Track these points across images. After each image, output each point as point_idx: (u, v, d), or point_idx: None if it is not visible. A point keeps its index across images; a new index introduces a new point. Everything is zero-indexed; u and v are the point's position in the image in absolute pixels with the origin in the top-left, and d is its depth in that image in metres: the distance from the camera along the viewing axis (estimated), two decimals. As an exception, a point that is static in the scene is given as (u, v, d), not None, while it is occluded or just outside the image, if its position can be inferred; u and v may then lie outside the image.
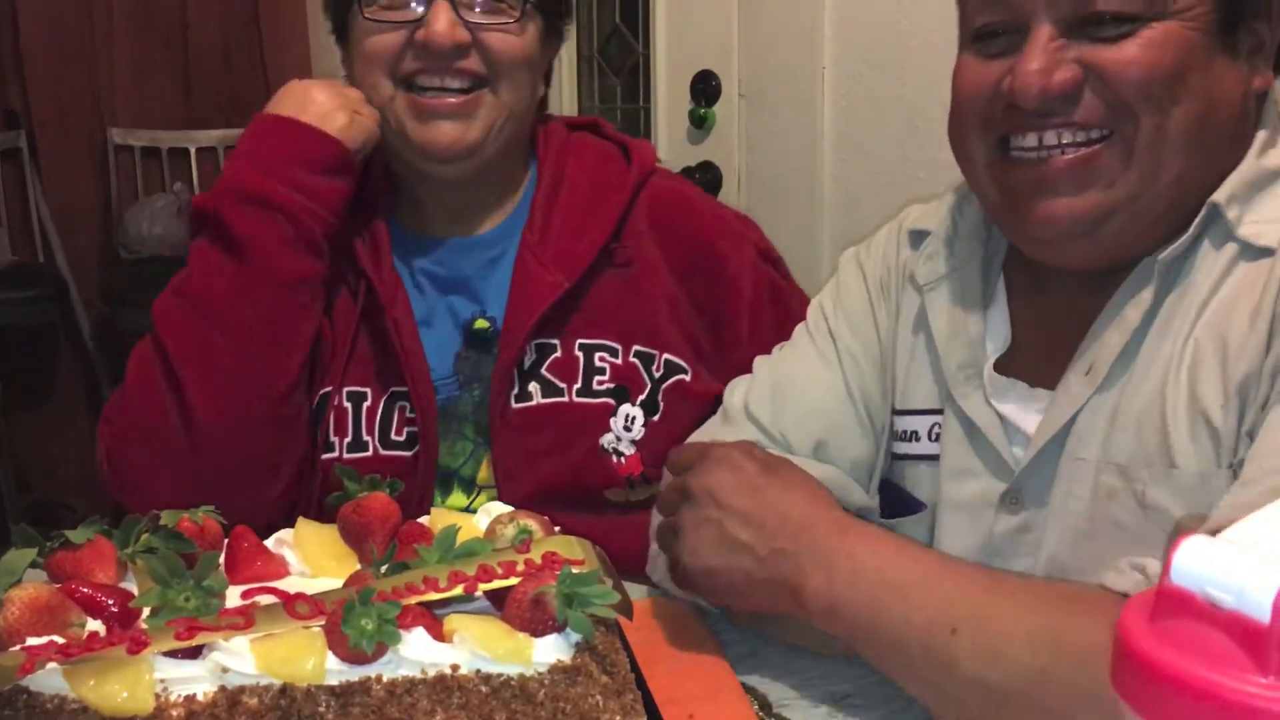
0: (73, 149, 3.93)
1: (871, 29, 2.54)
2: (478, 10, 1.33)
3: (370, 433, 1.36)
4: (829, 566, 0.92)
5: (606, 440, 1.39)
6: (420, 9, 1.32)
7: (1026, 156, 0.98)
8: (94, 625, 0.83)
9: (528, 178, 1.46)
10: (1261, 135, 0.98)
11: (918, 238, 1.16)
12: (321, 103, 1.34)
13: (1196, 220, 0.96)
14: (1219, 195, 0.95)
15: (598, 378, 1.40)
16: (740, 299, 1.44)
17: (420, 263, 1.42)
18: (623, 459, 1.39)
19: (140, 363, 1.33)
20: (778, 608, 0.96)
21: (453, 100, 1.33)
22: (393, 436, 1.37)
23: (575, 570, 0.83)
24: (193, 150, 4.04)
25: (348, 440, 1.36)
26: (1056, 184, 0.97)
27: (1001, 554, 1.03)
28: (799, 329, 1.23)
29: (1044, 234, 1.01)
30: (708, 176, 2.84)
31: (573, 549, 0.90)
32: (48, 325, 3.88)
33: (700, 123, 2.85)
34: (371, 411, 1.37)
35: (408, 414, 1.37)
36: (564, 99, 3.06)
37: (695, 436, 1.21)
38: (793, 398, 1.16)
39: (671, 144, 2.90)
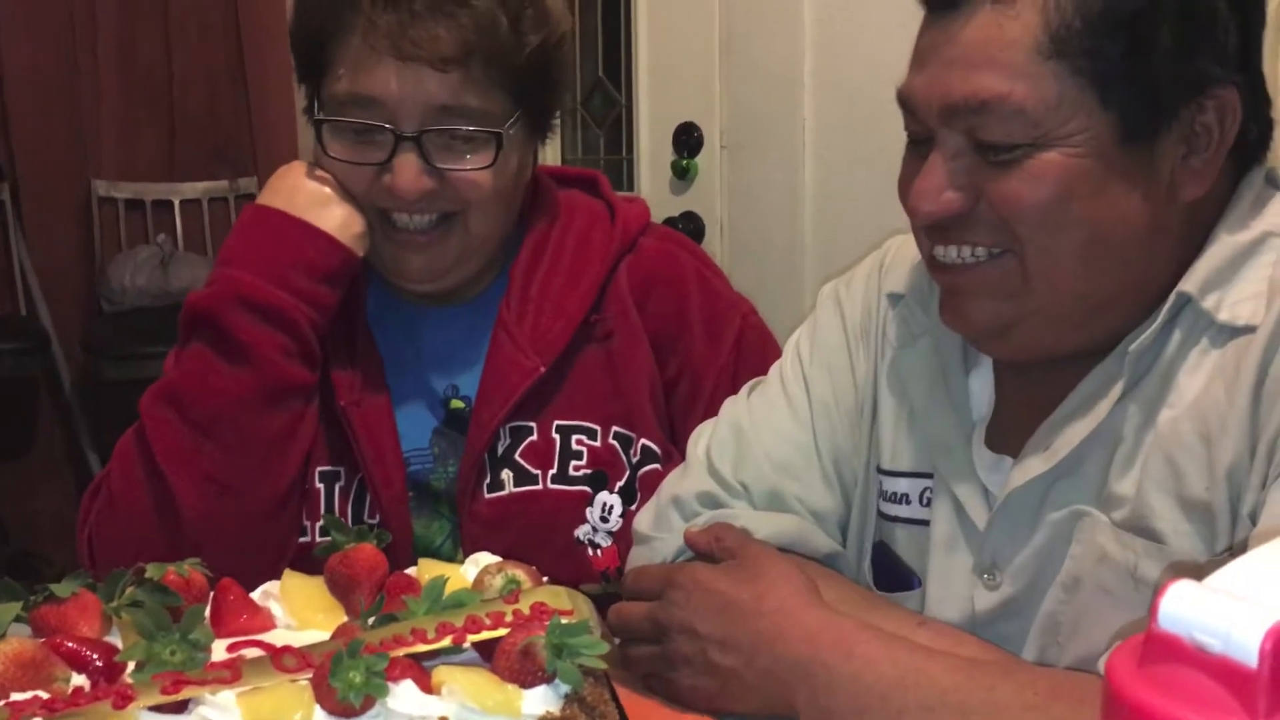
0: (56, 201, 3.94)
1: (851, 81, 2.58)
2: (451, 156, 1.25)
3: (344, 515, 1.31)
4: (808, 678, 0.93)
5: (582, 532, 1.33)
6: (384, 154, 1.25)
7: (944, 262, 0.99)
8: (78, 680, 0.82)
9: (512, 245, 1.39)
10: (1237, 210, 0.96)
11: (894, 299, 1.14)
12: (327, 197, 1.28)
13: (1165, 309, 0.93)
14: (1188, 285, 0.93)
15: (574, 463, 1.34)
16: (700, 391, 1.37)
17: (398, 331, 1.37)
18: (599, 551, 1.34)
19: (126, 457, 1.28)
20: (784, 713, 0.96)
21: (422, 238, 1.28)
22: (366, 519, 1.32)
23: (564, 620, 0.83)
24: (177, 202, 4.05)
25: (320, 524, 1.30)
26: (964, 291, 0.99)
27: (990, 624, 1.02)
28: (773, 370, 1.21)
29: (960, 332, 1.03)
30: (690, 227, 2.87)
31: (561, 599, 0.90)
32: (29, 377, 3.87)
33: (683, 174, 2.88)
34: (345, 492, 1.32)
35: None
36: (548, 151, 3.09)
37: (661, 488, 1.19)
38: (757, 447, 1.14)
39: (654, 195, 2.92)
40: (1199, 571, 0.45)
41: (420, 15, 1.22)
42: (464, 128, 1.25)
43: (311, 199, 1.28)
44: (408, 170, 1.24)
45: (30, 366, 3.81)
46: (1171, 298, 0.93)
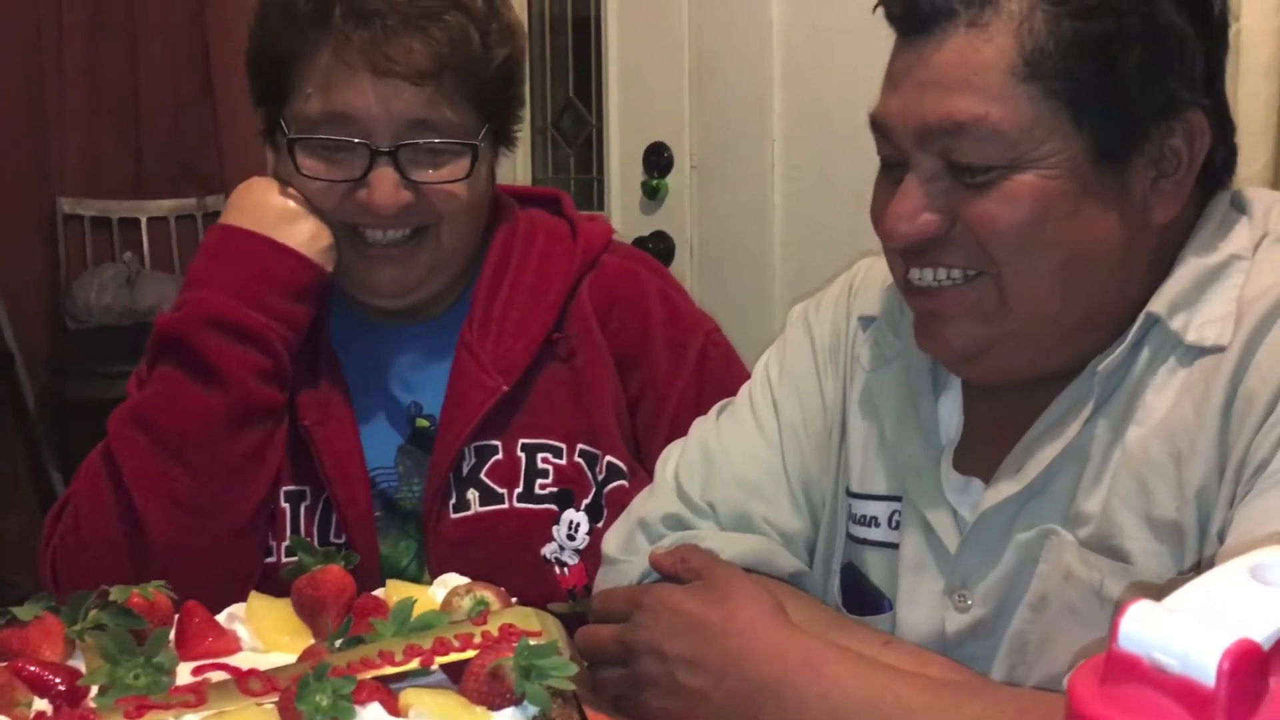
0: (22, 218, 3.90)
1: (820, 103, 2.60)
2: (427, 170, 1.26)
3: (309, 534, 1.30)
4: (777, 699, 0.93)
5: (549, 550, 1.33)
6: (359, 170, 1.25)
7: (919, 285, 1.00)
8: (41, 705, 0.82)
9: (475, 265, 1.39)
10: (1204, 233, 0.97)
11: (866, 322, 1.15)
12: (294, 212, 1.28)
13: (1133, 330, 0.95)
14: (1156, 306, 0.94)
15: (540, 481, 1.34)
16: (663, 410, 1.37)
17: (360, 349, 1.36)
18: (566, 570, 1.33)
19: (92, 478, 1.26)
20: None
21: (394, 252, 1.28)
22: (332, 539, 1.31)
23: (533, 642, 0.83)
24: (143, 220, 4.02)
25: (285, 544, 1.29)
26: (940, 314, 0.99)
27: (960, 645, 1.02)
28: (743, 391, 1.21)
29: (935, 356, 1.04)
30: (660, 246, 2.88)
31: (530, 621, 0.90)
32: (-9, 396, 3.83)
33: (653, 194, 2.89)
34: (310, 512, 1.32)
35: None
36: (518, 170, 3.10)
37: (629, 509, 1.18)
38: (725, 468, 1.14)
39: (624, 214, 2.93)
40: (1160, 592, 0.46)
41: (394, 30, 1.23)
42: (439, 141, 1.26)
43: (278, 216, 1.28)
44: (385, 184, 1.24)
45: (-7, 385, 3.77)
46: (1140, 318, 0.94)
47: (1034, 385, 1.00)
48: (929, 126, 0.93)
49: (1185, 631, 0.44)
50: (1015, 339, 0.97)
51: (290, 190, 1.29)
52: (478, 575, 1.20)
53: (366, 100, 1.23)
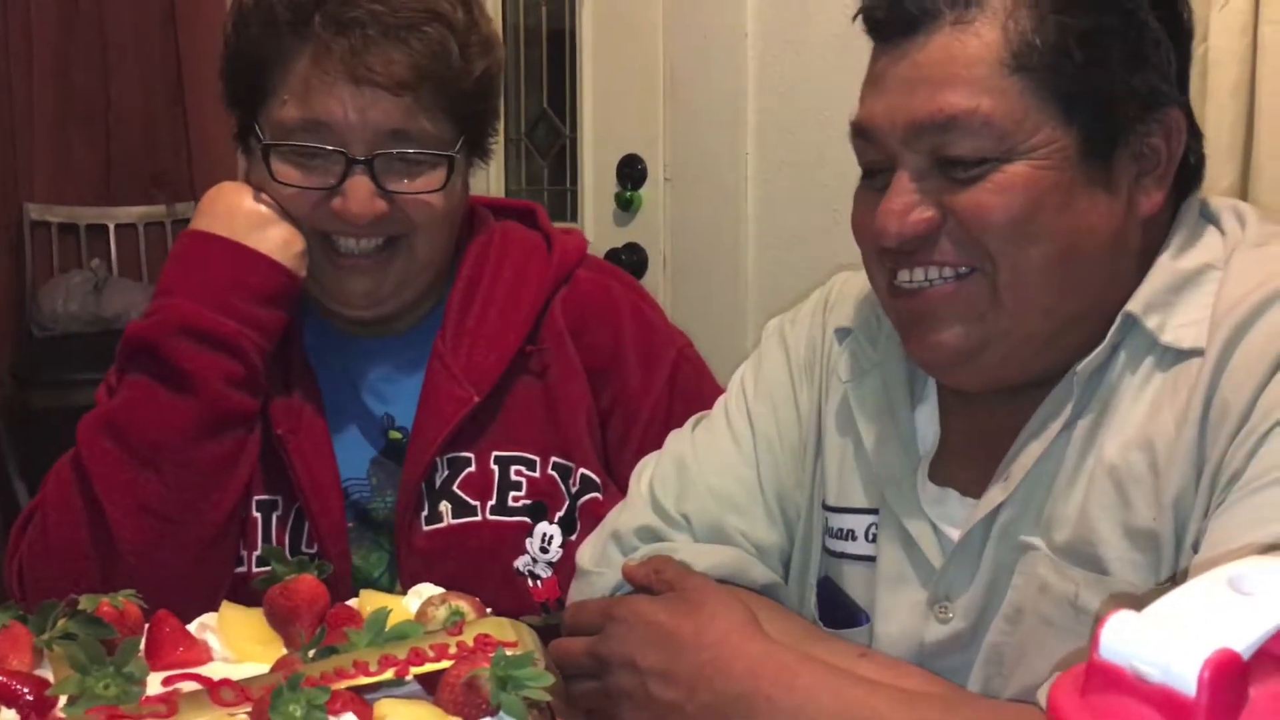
0: (-14, 224, 3.88)
1: (793, 117, 2.62)
2: (402, 180, 1.26)
3: (281, 544, 1.30)
4: (750, 712, 0.92)
5: (521, 563, 1.32)
6: (334, 177, 1.25)
7: (908, 288, 1.00)
8: (8, 715, 0.80)
9: (448, 277, 1.39)
10: (1178, 238, 0.98)
11: (842, 334, 1.15)
12: (265, 218, 1.27)
13: (1112, 330, 0.95)
14: (1134, 305, 0.95)
15: (513, 493, 1.33)
16: (634, 425, 1.37)
17: (333, 360, 1.36)
18: (539, 582, 1.33)
19: (60, 485, 1.25)
20: None
21: (366, 262, 1.28)
22: (304, 549, 1.30)
23: (508, 653, 0.83)
24: (112, 227, 3.99)
25: (257, 554, 1.29)
26: (930, 316, 0.99)
27: (938, 657, 1.02)
28: (718, 404, 1.21)
29: (926, 361, 1.03)
30: (633, 258, 2.88)
31: (505, 631, 0.89)
32: (-46, 404, 3.79)
33: (626, 205, 2.90)
34: (282, 521, 1.31)
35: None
36: (491, 181, 3.10)
37: (603, 522, 1.18)
38: (700, 480, 1.14)
39: (598, 226, 2.94)
40: (1139, 602, 0.46)
41: (374, 40, 1.23)
42: (415, 151, 1.26)
43: (249, 221, 1.27)
44: (360, 192, 1.24)
45: (-44, 393, 3.73)
46: (1119, 318, 0.95)
47: (1013, 394, 1.01)
48: (919, 123, 0.94)
49: (1166, 641, 0.45)
50: (1007, 339, 0.97)
51: (262, 195, 1.28)
52: (450, 586, 1.19)
53: (344, 109, 1.23)
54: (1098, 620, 0.47)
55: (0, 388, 3.82)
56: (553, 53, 3.10)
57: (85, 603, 0.92)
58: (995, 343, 0.97)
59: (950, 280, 0.97)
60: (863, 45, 1.01)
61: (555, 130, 3.12)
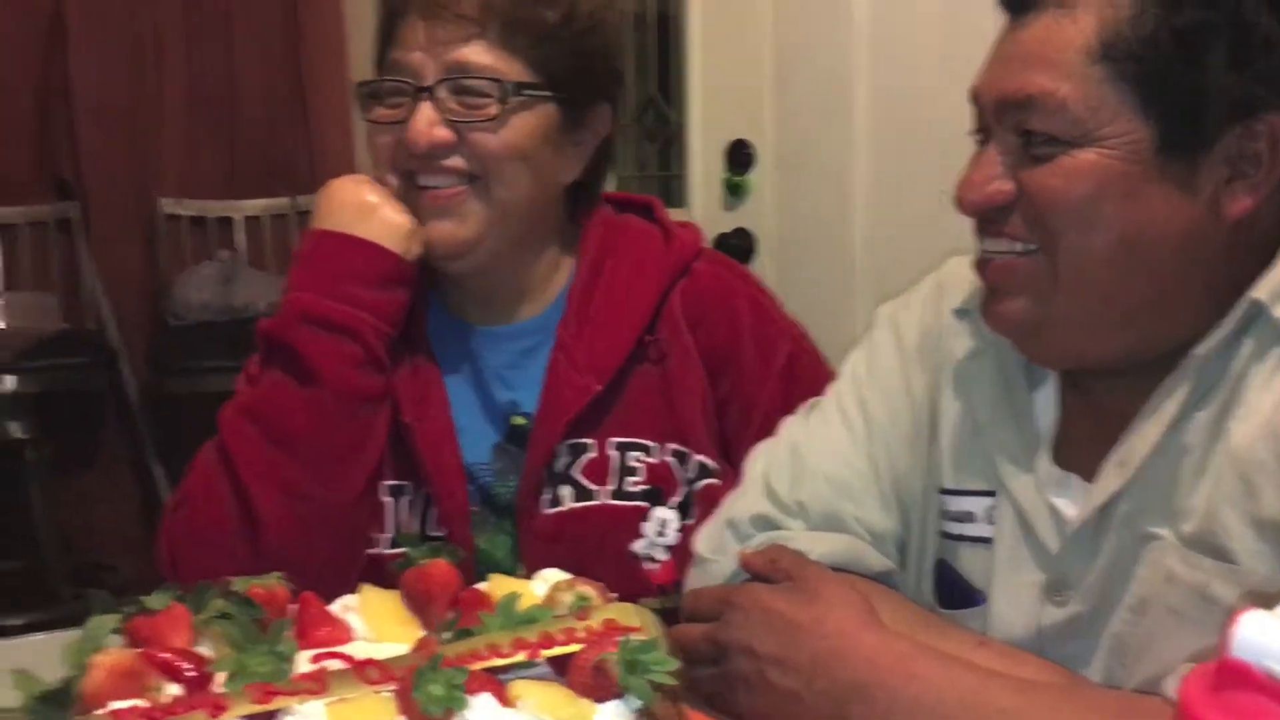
0: (123, 218, 4.02)
1: (904, 98, 2.59)
2: (458, 106, 1.30)
3: (410, 528, 1.35)
4: (868, 701, 0.94)
5: (639, 546, 1.36)
6: (407, 111, 1.31)
7: (984, 258, 1.02)
8: (172, 689, 0.85)
9: (569, 267, 1.43)
10: None
11: (961, 315, 1.15)
12: (369, 207, 1.33)
13: (1234, 317, 0.94)
14: (1261, 292, 0.94)
15: (631, 479, 1.37)
16: (751, 413, 1.39)
17: (457, 350, 1.41)
18: (657, 566, 1.36)
19: (205, 472, 1.33)
20: None
21: (444, 197, 1.32)
22: (431, 532, 1.35)
23: (635, 638, 0.85)
24: (237, 219, 4.13)
25: (390, 537, 1.35)
26: (997, 288, 1.02)
27: (1056, 642, 1.02)
28: (830, 390, 1.22)
29: (999, 331, 1.05)
30: (742, 243, 2.89)
31: (630, 616, 0.91)
32: (96, 391, 3.95)
33: (734, 190, 2.91)
34: (412, 505, 1.37)
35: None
36: (601, 168, 3.12)
37: (719, 509, 1.20)
38: (813, 467, 1.16)
39: (706, 211, 2.95)
40: (1273, 600, 0.46)
41: None
42: (472, 79, 1.30)
43: (355, 212, 1.33)
44: (420, 119, 1.30)
45: (98, 381, 3.89)
46: (1243, 305, 0.94)
47: (1130, 376, 1.00)
48: (1005, 99, 0.97)
49: (1298, 640, 0.45)
50: (1069, 322, 0.98)
51: (366, 185, 1.35)
52: (569, 568, 1.23)
53: (416, 44, 1.30)
54: (1230, 618, 0.47)
55: (138, 375, 3.98)
56: (660, 38, 3.11)
57: (238, 585, 0.97)
58: (1056, 324, 0.99)
59: (1017, 255, 0.99)
60: (970, 30, 1.03)
61: (663, 116, 3.14)
